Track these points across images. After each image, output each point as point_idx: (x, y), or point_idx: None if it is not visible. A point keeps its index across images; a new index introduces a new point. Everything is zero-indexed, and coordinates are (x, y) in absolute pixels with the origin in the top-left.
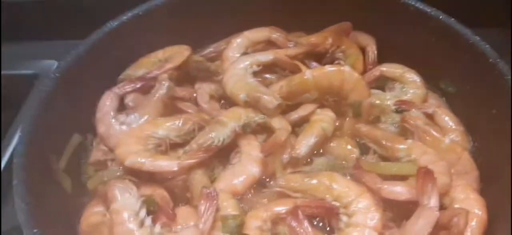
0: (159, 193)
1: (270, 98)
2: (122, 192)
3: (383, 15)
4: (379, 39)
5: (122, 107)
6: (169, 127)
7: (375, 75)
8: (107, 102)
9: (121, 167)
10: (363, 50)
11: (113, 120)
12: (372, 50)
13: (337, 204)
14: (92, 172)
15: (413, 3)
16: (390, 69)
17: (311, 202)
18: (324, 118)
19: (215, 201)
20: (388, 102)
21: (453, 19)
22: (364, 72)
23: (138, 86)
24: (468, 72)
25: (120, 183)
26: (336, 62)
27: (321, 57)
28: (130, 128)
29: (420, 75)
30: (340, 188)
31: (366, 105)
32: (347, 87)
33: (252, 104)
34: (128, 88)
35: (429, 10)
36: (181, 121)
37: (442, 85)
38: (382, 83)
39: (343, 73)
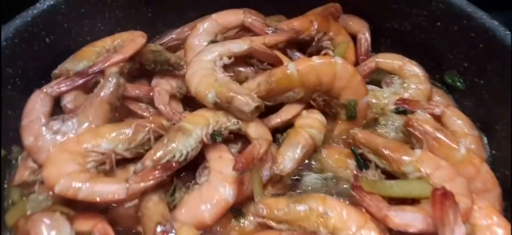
0: (101, 229)
1: (246, 98)
2: (49, 231)
3: None
4: (373, 23)
5: (58, 111)
6: (116, 137)
7: (370, 67)
8: (36, 105)
9: (50, 194)
10: (354, 37)
11: (43, 129)
12: (365, 37)
13: None
14: (17, 197)
15: None
16: (387, 60)
17: None
18: (312, 123)
19: None
20: (386, 101)
21: None
22: (356, 63)
23: (77, 83)
24: (481, 64)
25: (47, 217)
26: (324, 51)
27: (305, 45)
28: (65, 139)
29: (423, 68)
30: (337, 216)
31: (363, 106)
32: (339, 83)
33: (223, 106)
34: (64, 87)
35: None
36: (132, 129)
37: (449, 79)
38: (377, 76)
39: (334, 66)
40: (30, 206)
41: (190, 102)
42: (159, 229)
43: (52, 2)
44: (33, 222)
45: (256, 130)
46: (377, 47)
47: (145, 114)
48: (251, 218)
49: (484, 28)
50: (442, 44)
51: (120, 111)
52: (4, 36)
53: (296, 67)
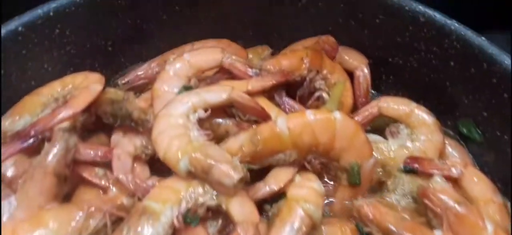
0: None
1: (227, 168)
2: None
3: (376, 26)
4: (372, 58)
5: None
6: (63, 227)
7: (372, 114)
8: None
9: None
10: (350, 74)
11: None
12: (363, 75)
13: None
14: None
15: (422, 9)
16: (392, 105)
17: None
18: (308, 196)
19: None
20: (392, 155)
21: (483, 38)
22: (353, 105)
23: (17, 149)
24: (504, 114)
25: None
26: (317, 94)
27: (293, 86)
28: (4, 230)
29: (433, 114)
30: None
31: (368, 170)
32: (340, 144)
33: (199, 176)
34: (3, 153)
35: (446, 21)
36: (84, 215)
37: (464, 129)
38: (379, 123)
39: (334, 124)
40: None
41: (157, 164)
42: None
43: None
44: None
45: (241, 210)
46: (377, 85)
47: (102, 183)
48: None
49: (510, 75)
50: (456, 87)
51: (70, 179)
52: None
53: (287, 125)
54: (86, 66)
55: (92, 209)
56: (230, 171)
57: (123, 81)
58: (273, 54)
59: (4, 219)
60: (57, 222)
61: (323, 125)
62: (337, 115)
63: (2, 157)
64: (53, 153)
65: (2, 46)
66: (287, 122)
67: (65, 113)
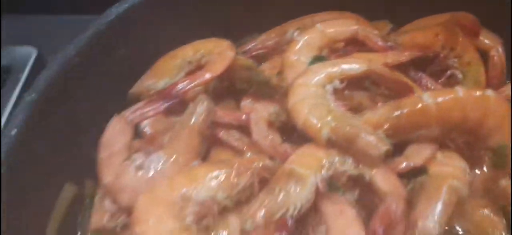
0: None
1: (374, 139)
2: None
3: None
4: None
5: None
6: (216, 183)
7: (508, 95)
8: (116, 134)
9: None
10: (482, 55)
11: (126, 164)
12: (498, 55)
13: None
14: None
15: None
16: None
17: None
18: (455, 173)
19: None
20: None
21: None
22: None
23: (162, 108)
24: None
25: None
26: (449, 72)
27: (424, 63)
28: (153, 177)
29: None
30: None
31: None
32: (491, 123)
33: (340, 145)
34: (149, 111)
35: None
36: (234, 172)
37: None
38: None
39: (487, 102)
40: None
41: (286, 132)
42: None
43: (127, 5)
44: None
45: (387, 182)
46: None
47: (236, 144)
48: None
49: None
50: None
51: (208, 140)
52: (75, 47)
53: (434, 100)
54: (205, 35)
55: (242, 167)
56: (377, 142)
57: (243, 50)
58: (393, 29)
59: (151, 173)
60: (210, 178)
61: (476, 102)
62: (490, 93)
63: (151, 113)
64: (198, 113)
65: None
66: (435, 97)
67: (205, 77)
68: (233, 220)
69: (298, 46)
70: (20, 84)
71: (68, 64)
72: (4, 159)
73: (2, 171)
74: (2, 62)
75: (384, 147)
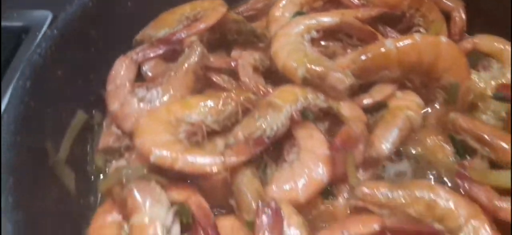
0: (195, 201)
1: (340, 75)
2: (148, 200)
3: None
4: (468, 2)
5: (138, 78)
6: (206, 109)
7: (466, 48)
8: (122, 71)
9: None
10: (446, 16)
11: (129, 95)
12: (459, 16)
13: (441, 227)
14: (102, 163)
15: None
16: (486, 42)
17: (405, 224)
18: (410, 105)
19: (280, 221)
20: (483, 84)
21: None
22: None
23: (161, 51)
24: None
25: (144, 186)
26: (415, 29)
27: (393, 22)
28: (153, 107)
29: None
30: (445, 205)
31: (465, 90)
32: (443, 64)
33: (314, 82)
34: (150, 53)
35: None
36: (221, 102)
37: None
38: (471, 59)
39: (439, 45)
40: (126, 174)
41: (270, 76)
42: (260, 205)
43: None
44: (131, 191)
45: (350, 110)
46: (471, 28)
47: (227, 86)
48: (341, 200)
49: None
50: None
51: (202, 82)
52: None
53: (395, 45)
54: None
55: (228, 98)
56: (343, 77)
57: (236, 12)
58: None
59: (151, 104)
60: (201, 105)
61: (430, 45)
62: (443, 39)
63: (153, 54)
64: (194, 55)
65: None
66: (395, 43)
67: (200, 26)
68: (219, 141)
69: (282, 4)
70: (36, 42)
71: (84, 8)
72: (31, 73)
73: (29, 84)
74: (21, 24)
75: (349, 80)
